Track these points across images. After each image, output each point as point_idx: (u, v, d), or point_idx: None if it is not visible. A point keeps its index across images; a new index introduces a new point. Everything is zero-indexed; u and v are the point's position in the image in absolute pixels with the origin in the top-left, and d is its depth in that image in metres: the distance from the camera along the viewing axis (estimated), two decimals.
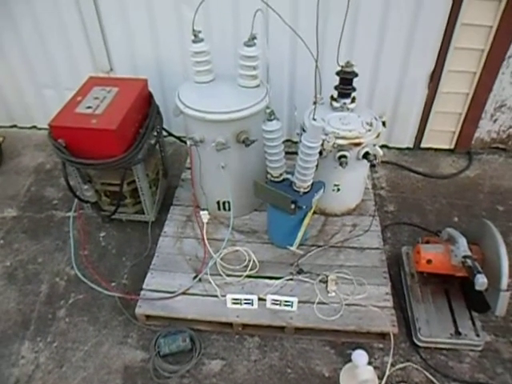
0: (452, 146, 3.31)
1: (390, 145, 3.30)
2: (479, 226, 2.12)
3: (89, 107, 2.24)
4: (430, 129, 3.19)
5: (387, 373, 1.94)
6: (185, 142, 2.97)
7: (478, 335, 2.06)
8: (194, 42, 2.13)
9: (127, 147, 2.20)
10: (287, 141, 3.19)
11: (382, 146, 3.24)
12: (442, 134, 3.24)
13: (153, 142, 2.46)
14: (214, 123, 2.06)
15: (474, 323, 2.11)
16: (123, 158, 2.17)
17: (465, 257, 1.96)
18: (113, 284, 2.35)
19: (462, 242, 2.02)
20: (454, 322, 2.11)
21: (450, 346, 2.06)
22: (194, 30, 2.11)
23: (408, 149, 3.32)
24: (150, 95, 2.52)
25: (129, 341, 2.10)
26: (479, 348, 2.07)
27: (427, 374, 1.97)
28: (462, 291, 2.22)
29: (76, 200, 2.42)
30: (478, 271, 1.87)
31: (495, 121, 3.20)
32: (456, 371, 1.99)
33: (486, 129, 3.25)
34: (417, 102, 3.04)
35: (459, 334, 2.06)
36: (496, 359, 2.05)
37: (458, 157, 3.30)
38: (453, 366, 2.02)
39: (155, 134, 2.50)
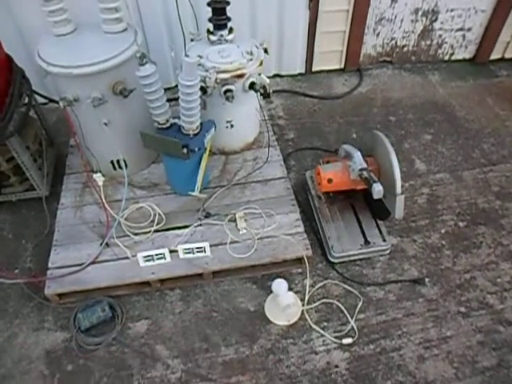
0: (342, 66, 3.35)
1: (283, 73, 3.26)
2: (372, 138, 2.18)
3: None
4: (319, 51, 3.18)
5: (307, 294, 2.01)
6: None
7: (384, 240, 2.17)
8: None
9: None
10: (176, 86, 3.04)
11: (275, 76, 3.20)
12: (330, 54, 3.25)
13: (24, 110, 2.22)
14: (84, 78, 1.88)
15: (380, 230, 2.22)
16: None
17: (361, 169, 2.00)
18: (16, 271, 2.17)
19: (358, 155, 2.06)
20: (363, 233, 2.20)
21: (362, 255, 2.17)
22: None
23: (300, 74, 3.31)
24: (9, 59, 2.23)
25: (45, 325, 1.98)
26: (387, 252, 2.19)
27: (345, 285, 2.07)
28: (366, 203, 2.31)
29: None
30: (374, 181, 1.92)
31: (378, 34, 3.26)
32: (370, 277, 2.11)
33: (371, 44, 3.31)
34: (301, 25, 3.00)
35: (368, 243, 2.16)
36: (403, 258, 2.19)
37: (350, 75, 3.35)
38: (367, 273, 2.13)
39: (26, 101, 2.25)
